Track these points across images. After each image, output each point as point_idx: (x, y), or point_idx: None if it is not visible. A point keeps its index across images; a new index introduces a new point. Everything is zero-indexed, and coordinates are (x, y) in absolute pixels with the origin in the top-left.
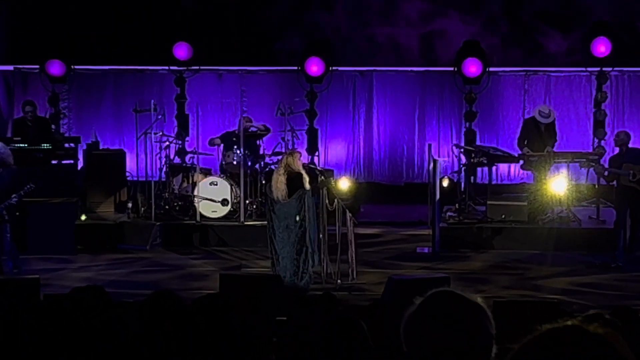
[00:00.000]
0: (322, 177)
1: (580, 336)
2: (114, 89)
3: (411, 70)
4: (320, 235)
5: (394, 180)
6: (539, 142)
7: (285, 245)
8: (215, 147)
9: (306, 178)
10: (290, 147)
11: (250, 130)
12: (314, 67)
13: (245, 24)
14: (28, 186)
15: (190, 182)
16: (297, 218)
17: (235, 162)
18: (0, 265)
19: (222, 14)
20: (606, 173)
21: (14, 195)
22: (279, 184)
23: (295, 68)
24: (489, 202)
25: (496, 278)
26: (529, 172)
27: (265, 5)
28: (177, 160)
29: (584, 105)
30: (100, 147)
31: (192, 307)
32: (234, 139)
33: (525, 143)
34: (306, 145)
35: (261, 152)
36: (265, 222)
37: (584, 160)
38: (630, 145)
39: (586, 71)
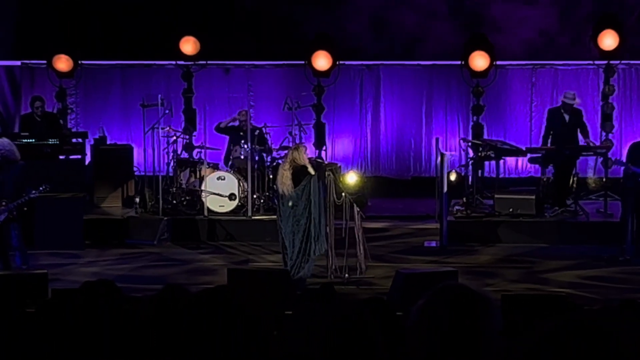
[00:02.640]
0: (324, 166)
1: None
2: (121, 83)
3: (418, 64)
4: (328, 229)
5: (402, 174)
6: (563, 131)
7: (296, 234)
8: (223, 135)
9: (312, 171)
10: (297, 141)
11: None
12: (321, 61)
13: (252, 18)
14: (44, 186)
15: (198, 176)
16: (292, 203)
17: (242, 157)
18: (9, 261)
19: (228, 8)
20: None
21: (31, 193)
22: (284, 179)
23: (302, 62)
24: (496, 196)
25: (504, 272)
26: (537, 166)
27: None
28: (184, 154)
29: (591, 98)
30: (108, 142)
31: (197, 299)
32: (241, 133)
33: (551, 134)
34: (313, 140)
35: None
36: (274, 217)
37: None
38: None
39: (593, 64)
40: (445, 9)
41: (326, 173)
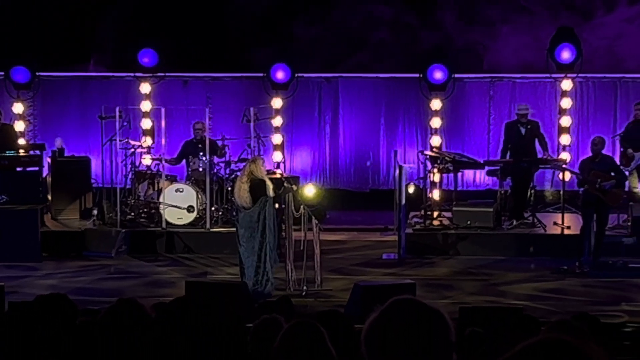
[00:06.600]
0: (285, 184)
1: (565, 351)
2: (79, 95)
3: (377, 77)
4: (286, 242)
5: (360, 187)
6: (520, 144)
7: (250, 254)
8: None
9: (269, 185)
10: (256, 154)
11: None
12: (280, 73)
13: (211, 30)
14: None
15: (156, 188)
16: (259, 225)
17: (200, 169)
18: None
19: (187, 21)
20: (579, 178)
21: None
22: (241, 192)
23: (261, 74)
24: (454, 209)
25: (462, 284)
26: (494, 178)
27: (231, 11)
28: (142, 167)
29: (549, 111)
30: (66, 154)
31: (157, 313)
32: (199, 145)
33: (509, 147)
34: (272, 152)
35: (227, 158)
36: (232, 229)
37: (558, 166)
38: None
39: (551, 77)
40: (405, 22)
41: (285, 185)
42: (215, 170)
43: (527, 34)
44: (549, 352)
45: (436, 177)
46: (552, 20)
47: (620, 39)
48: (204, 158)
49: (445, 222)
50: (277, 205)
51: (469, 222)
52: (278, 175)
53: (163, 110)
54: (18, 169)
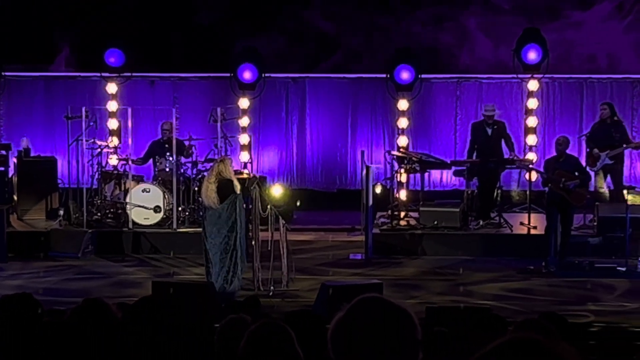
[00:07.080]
0: (251, 177)
1: (536, 350)
2: (45, 95)
3: (344, 77)
4: (253, 242)
5: (327, 187)
6: (486, 145)
7: (217, 251)
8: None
9: (237, 185)
10: (223, 154)
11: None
12: (247, 73)
13: (178, 30)
14: None
15: (123, 189)
16: (229, 222)
17: (167, 169)
18: None
19: (154, 21)
20: (544, 177)
21: None
22: (209, 192)
23: (228, 75)
24: (421, 209)
25: (428, 284)
26: (461, 179)
27: (197, 12)
28: (109, 167)
29: (515, 112)
30: (32, 154)
31: (124, 314)
32: (167, 145)
33: (476, 147)
34: (239, 152)
35: (194, 158)
36: (199, 230)
37: (524, 165)
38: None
39: (517, 78)
40: (372, 23)
41: (252, 187)
42: (182, 171)
43: (495, 34)
44: (520, 351)
45: (403, 178)
46: (520, 21)
47: (587, 39)
48: (170, 158)
49: (412, 222)
50: (244, 205)
51: (435, 222)
52: (245, 176)
53: (130, 110)
54: None
